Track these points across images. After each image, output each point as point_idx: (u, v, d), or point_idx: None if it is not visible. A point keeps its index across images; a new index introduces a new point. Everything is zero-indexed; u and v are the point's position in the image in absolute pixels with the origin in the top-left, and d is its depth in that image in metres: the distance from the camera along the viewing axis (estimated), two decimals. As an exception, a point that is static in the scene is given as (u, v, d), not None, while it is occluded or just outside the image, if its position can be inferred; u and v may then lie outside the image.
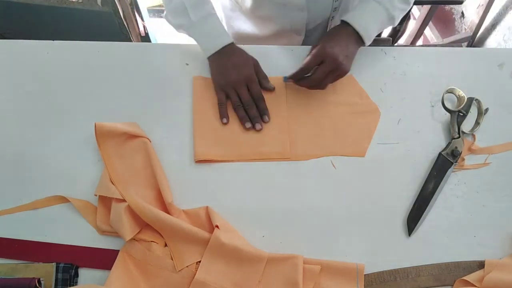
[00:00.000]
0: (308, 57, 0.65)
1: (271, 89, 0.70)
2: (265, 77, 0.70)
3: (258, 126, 0.67)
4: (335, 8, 0.75)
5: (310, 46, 0.74)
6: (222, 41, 0.68)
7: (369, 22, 0.67)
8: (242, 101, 0.68)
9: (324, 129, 0.68)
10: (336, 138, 0.68)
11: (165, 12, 0.71)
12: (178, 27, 0.70)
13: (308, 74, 0.66)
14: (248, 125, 0.67)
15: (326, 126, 0.69)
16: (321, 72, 0.64)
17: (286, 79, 0.69)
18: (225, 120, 0.67)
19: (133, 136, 0.65)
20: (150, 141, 0.65)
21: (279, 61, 0.74)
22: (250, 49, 0.72)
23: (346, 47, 0.66)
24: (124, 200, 0.58)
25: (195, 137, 0.67)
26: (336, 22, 0.79)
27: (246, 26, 0.83)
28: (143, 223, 0.58)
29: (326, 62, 0.64)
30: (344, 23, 0.68)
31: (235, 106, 0.68)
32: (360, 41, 0.68)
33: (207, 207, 0.61)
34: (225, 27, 0.87)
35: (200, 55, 0.74)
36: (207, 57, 0.70)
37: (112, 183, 0.61)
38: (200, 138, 0.67)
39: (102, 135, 0.63)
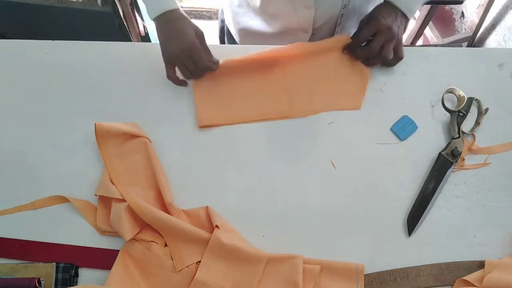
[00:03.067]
0: (363, 29, 0.68)
1: (214, 64, 0.68)
2: (208, 51, 0.68)
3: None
4: (345, 5, 0.75)
5: (315, 42, 0.75)
6: (166, 5, 0.65)
7: (411, 1, 0.69)
8: (190, 73, 0.68)
9: (320, 86, 0.72)
10: (331, 93, 0.71)
11: None
12: None
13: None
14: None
15: (322, 83, 0.72)
16: (378, 41, 0.67)
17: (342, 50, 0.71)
18: (185, 84, 0.69)
19: (133, 136, 0.65)
20: (150, 141, 0.65)
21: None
22: (255, 49, 0.72)
23: (396, 19, 0.69)
24: (124, 200, 0.58)
25: (196, 103, 0.68)
26: (346, 20, 0.80)
27: (252, 22, 0.83)
28: (143, 223, 0.58)
29: (381, 32, 0.67)
30: (388, 2, 0.70)
31: (185, 78, 0.69)
32: (405, 16, 0.70)
33: (207, 207, 0.61)
34: (232, 23, 0.87)
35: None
36: (152, 20, 0.66)
37: (112, 183, 0.61)
38: (201, 103, 0.68)
39: (102, 135, 0.63)
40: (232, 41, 0.92)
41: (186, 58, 0.65)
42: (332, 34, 0.82)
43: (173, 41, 0.65)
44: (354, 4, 0.77)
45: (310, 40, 0.82)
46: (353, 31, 0.83)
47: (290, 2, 0.74)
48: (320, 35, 0.82)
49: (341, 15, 0.77)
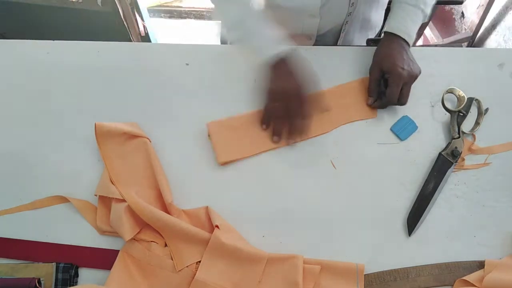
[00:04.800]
0: (390, 88, 0.66)
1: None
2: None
3: (286, 142, 0.67)
4: (350, 13, 0.75)
5: (321, 47, 0.75)
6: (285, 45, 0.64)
7: (411, 27, 0.69)
8: (281, 114, 0.65)
9: (336, 103, 0.70)
10: (348, 106, 0.70)
11: (223, 29, 0.67)
12: (238, 41, 0.67)
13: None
14: (276, 139, 0.67)
15: (337, 101, 0.70)
16: (407, 91, 0.67)
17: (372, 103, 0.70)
18: (264, 126, 0.67)
19: (133, 136, 0.65)
20: (150, 141, 0.65)
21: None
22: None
23: (407, 56, 0.68)
24: (124, 200, 0.58)
25: (214, 143, 0.66)
26: (350, 25, 0.79)
27: None
28: (143, 223, 0.58)
29: (408, 83, 0.66)
30: (389, 33, 0.69)
31: (275, 117, 0.66)
32: (407, 44, 0.70)
33: (207, 207, 0.61)
34: None
35: (199, 55, 0.74)
36: (269, 65, 0.65)
37: (112, 183, 0.61)
38: (219, 143, 0.66)
39: (102, 135, 0.63)
40: None
41: (288, 97, 0.63)
42: (336, 40, 0.82)
43: (285, 79, 0.63)
44: (358, 11, 0.77)
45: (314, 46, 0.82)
46: (356, 35, 0.83)
47: (294, 11, 0.73)
48: (324, 41, 0.82)
49: (346, 22, 0.77)
